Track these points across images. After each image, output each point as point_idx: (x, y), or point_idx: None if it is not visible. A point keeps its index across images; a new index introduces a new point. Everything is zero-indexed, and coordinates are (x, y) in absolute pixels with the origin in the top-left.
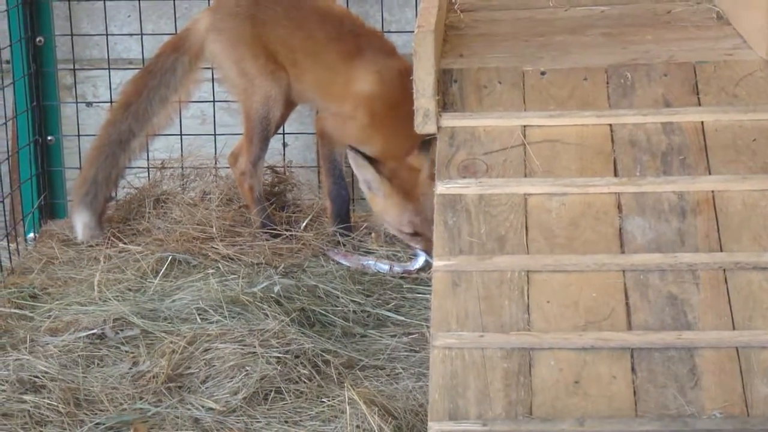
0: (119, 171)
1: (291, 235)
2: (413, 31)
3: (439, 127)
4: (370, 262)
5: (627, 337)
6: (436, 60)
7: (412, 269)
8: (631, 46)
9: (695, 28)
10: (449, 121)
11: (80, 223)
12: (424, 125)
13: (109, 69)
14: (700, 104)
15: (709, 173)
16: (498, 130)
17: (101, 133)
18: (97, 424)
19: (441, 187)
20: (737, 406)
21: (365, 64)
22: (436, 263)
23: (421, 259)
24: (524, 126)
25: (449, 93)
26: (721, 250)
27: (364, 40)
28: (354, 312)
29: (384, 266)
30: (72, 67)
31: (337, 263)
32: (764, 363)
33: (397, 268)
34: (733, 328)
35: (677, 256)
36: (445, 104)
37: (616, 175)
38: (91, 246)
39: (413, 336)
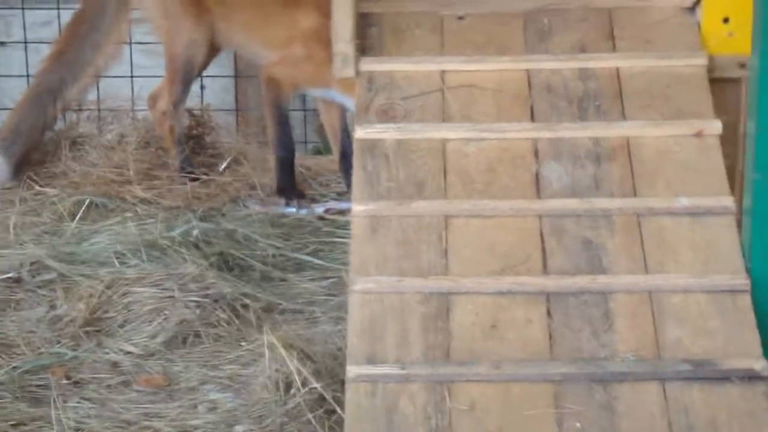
0: (48, 120)
1: (209, 178)
2: None
3: (357, 72)
4: (292, 209)
5: (543, 282)
6: (354, 4)
7: (335, 208)
8: None
9: None
10: (368, 65)
11: None
12: (342, 70)
13: (23, 8)
14: (615, 50)
15: (624, 119)
16: (416, 74)
17: (33, 82)
18: (14, 367)
19: (360, 132)
20: (649, 349)
21: (303, 2)
22: (356, 208)
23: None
24: (442, 71)
25: (368, 37)
26: (635, 196)
27: None
28: (273, 256)
29: (304, 210)
30: None
31: (257, 212)
32: (675, 307)
33: (318, 209)
34: (646, 272)
35: (592, 202)
36: (363, 49)
37: (533, 120)
38: (5, 188)
39: (332, 280)
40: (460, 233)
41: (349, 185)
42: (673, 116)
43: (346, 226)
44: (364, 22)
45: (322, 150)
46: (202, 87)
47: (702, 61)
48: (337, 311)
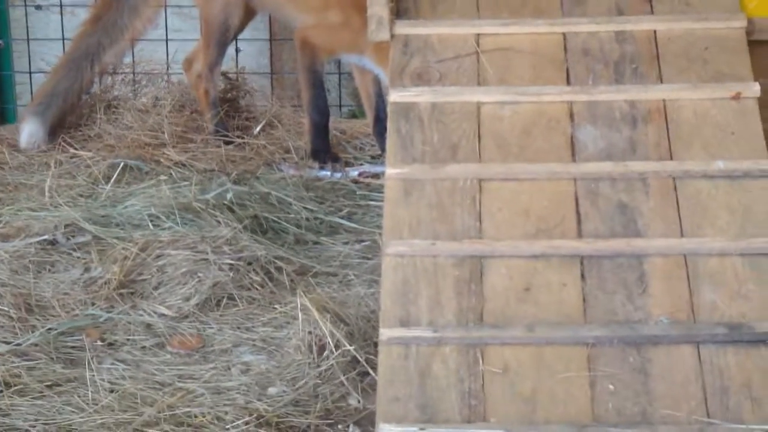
0: (84, 84)
1: (244, 141)
2: None
3: (392, 35)
4: (326, 172)
5: (577, 245)
6: None
7: (369, 171)
8: None
9: None
10: (403, 28)
11: (26, 131)
12: (377, 33)
13: None
14: (652, 12)
15: (661, 82)
16: (452, 38)
17: (70, 46)
18: (49, 329)
19: (394, 95)
20: (684, 312)
21: None
22: (389, 171)
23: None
24: (478, 34)
25: (403, 0)
26: (672, 159)
27: None
28: (306, 219)
29: (338, 174)
30: None
31: (291, 176)
32: (711, 270)
33: (352, 173)
34: (682, 236)
35: (628, 165)
36: (398, 11)
37: (568, 83)
38: (41, 151)
39: (366, 243)
40: (495, 196)
41: (383, 149)
42: (710, 79)
43: (380, 189)
44: None
45: (357, 113)
46: (237, 50)
47: (741, 23)
48: (370, 274)
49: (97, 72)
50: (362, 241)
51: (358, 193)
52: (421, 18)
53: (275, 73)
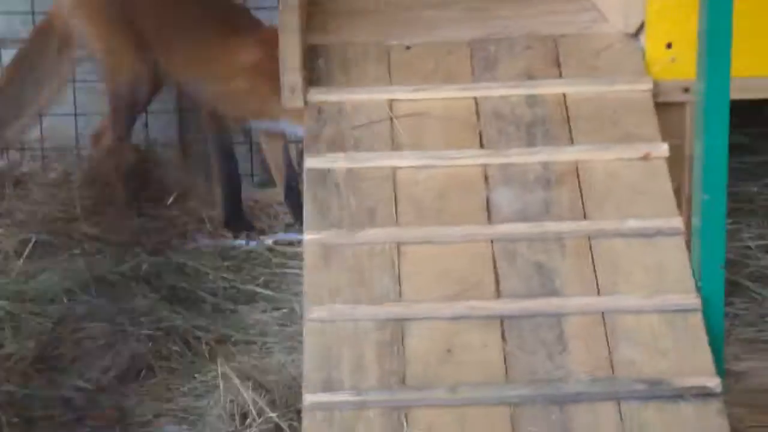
0: None
1: (157, 213)
2: (276, 7)
3: (306, 102)
4: (241, 242)
5: (496, 306)
6: (301, 35)
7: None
8: (493, 21)
9: (555, 2)
10: (316, 96)
11: None
12: (291, 100)
13: None
14: (561, 76)
15: (572, 144)
16: (365, 104)
17: None
18: None
19: (309, 162)
20: (603, 370)
21: (244, 36)
22: (307, 237)
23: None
24: (391, 100)
25: (316, 68)
26: (585, 219)
27: (233, 13)
28: (224, 288)
29: (253, 242)
30: None
31: (205, 246)
32: (628, 327)
33: (267, 241)
34: (599, 294)
35: (543, 225)
36: (311, 79)
37: (482, 147)
38: None
39: (284, 310)
40: (413, 260)
41: (295, 217)
42: (620, 140)
43: (295, 257)
44: (311, 54)
45: (268, 183)
46: (146, 123)
47: (647, 86)
48: (290, 341)
49: (0, 147)
50: (280, 308)
51: (273, 261)
52: (333, 86)
53: (185, 144)
